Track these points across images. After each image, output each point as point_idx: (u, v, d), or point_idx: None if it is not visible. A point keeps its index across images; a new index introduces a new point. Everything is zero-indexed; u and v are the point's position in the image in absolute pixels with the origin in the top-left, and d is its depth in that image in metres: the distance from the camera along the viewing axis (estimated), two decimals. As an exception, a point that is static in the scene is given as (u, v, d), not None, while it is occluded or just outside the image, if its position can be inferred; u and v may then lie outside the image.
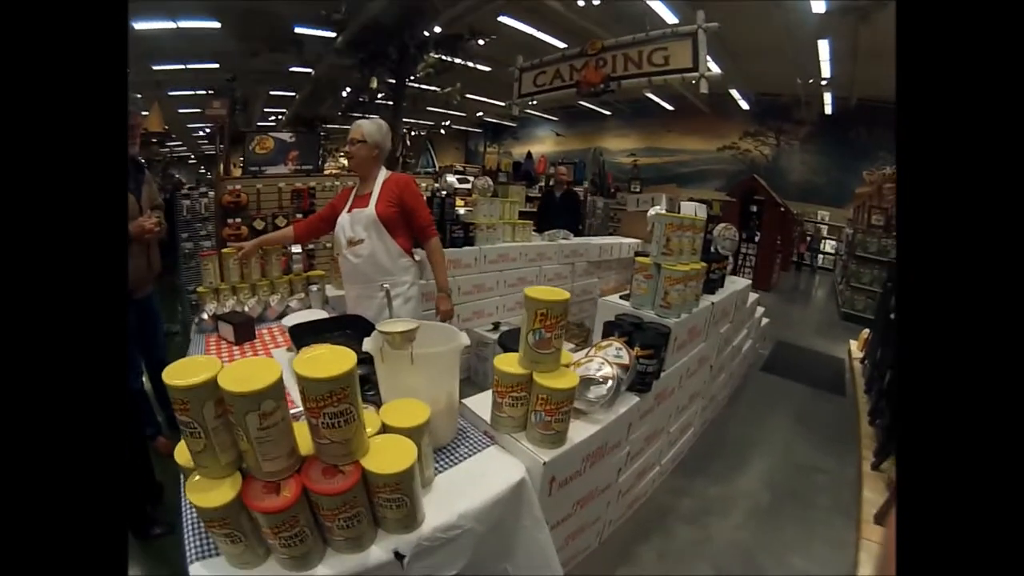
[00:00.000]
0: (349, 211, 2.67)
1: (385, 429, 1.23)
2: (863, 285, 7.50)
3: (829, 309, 8.64)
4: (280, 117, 17.54)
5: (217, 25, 9.24)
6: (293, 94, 14.97)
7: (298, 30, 9.92)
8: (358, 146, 2.62)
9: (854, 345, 5.68)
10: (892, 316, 3.58)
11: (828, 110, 13.48)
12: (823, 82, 11.45)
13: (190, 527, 1.21)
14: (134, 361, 2.88)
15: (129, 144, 2.71)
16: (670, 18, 8.14)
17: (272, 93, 14.71)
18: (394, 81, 11.01)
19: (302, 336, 1.99)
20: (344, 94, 12.28)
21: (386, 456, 1.12)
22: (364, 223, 2.60)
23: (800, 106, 13.89)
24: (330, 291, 3.20)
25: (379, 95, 11.05)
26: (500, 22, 9.50)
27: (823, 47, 9.45)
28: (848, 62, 9.82)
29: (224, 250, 2.82)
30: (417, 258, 2.79)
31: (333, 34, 9.72)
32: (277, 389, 0.98)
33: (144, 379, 3.02)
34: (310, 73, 12.40)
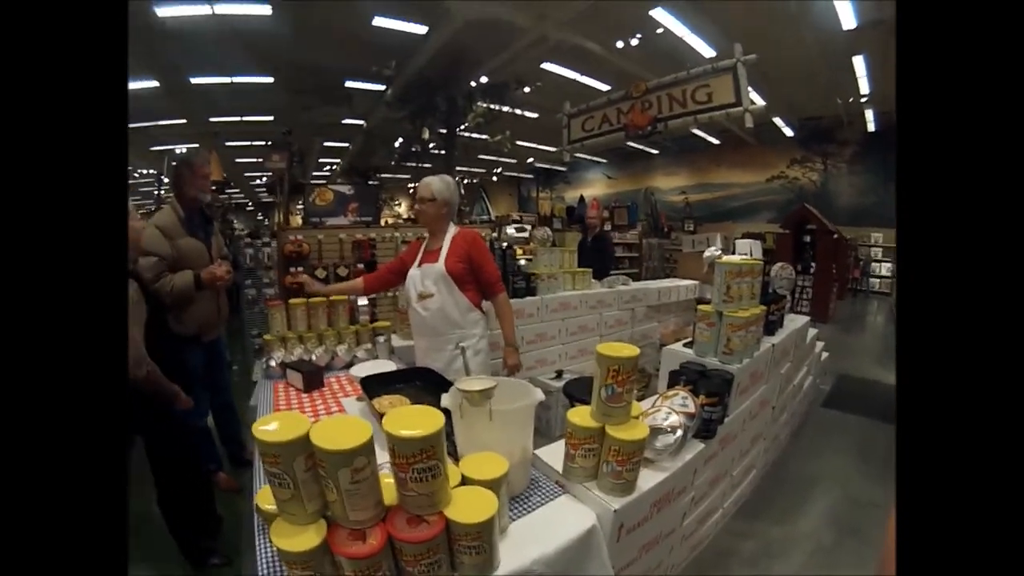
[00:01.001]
0: (419, 265, 2.73)
1: (465, 481, 1.28)
2: (923, 307, 7.16)
3: (888, 335, 8.34)
4: (334, 167, 18.25)
5: (270, 80, 9.77)
6: (346, 145, 15.61)
7: (349, 84, 10.39)
8: (428, 204, 2.68)
9: (915, 373, 5.44)
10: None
11: (871, 127, 13.25)
12: (863, 99, 11.29)
13: (265, 567, 1.26)
14: (200, 401, 3.04)
15: (202, 195, 2.94)
16: (707, 51, 8.24)
17: (326, 144, 15.34)
18: (445, 131, 11.35)
19: (373, 387, 2.07)
20: (396, 145, 12.69)
21: (468, 506, 1.17)
22: (434, 278, 2.64)
23: (843, 127, 13.71)
24: (396, 341, 3.28)
25: (431, 145, 11.38)
26: (544, 69, 9.75)
27: (858, 63, 9.36)
28: (885, 75, 9.66)
29: (291, 300, 2.96)
30: (483, 310, 2.81)
31: (383, 87, 10.14)
32: (369, 447, 1.04)
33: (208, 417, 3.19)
34: (362, 125, 12.93)
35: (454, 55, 9.25)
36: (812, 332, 4.11)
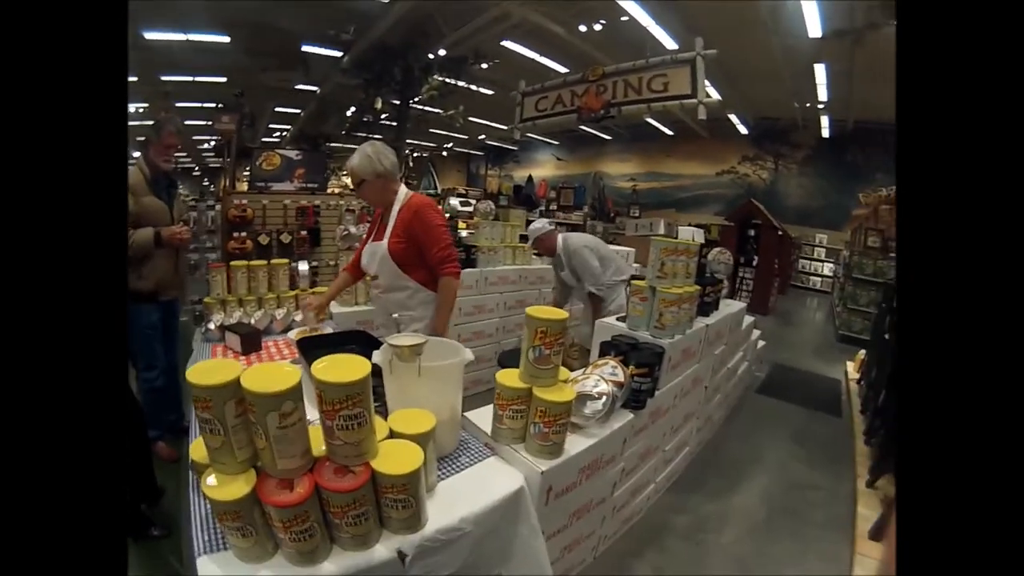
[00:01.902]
0: (372, 240, 2.57)
1: (393, 435, 1.30)
2: (860, 307, 7.59)
3: (827, 331, 8.71)
4: (285, 134, 17.76)
5: (227, 40, 9.38)
6: (298, 111, 15.20)
7: (306, 48, 10.08)
8: (359, 187, 2.47)
9: (850, 366, 5.72)
10: (887, 336, 3.63)
11: (825, 133, 13.64)
12: (820, 106, 11.60)
13: (199, 523, 1.25)
14: (157, 359, 3.03)
15: (165, 161, 2.92)
16: (670, 44, 8.32)
17: (278, 110, 14.93)
18: (398, 102, 11.16)
19: (309, 349, 2.04)
20: (348, 113, 12.44)
21: (394, 459, 1.19)
22: (379, 259, 2.48)
23: (798, 130, 14.12)
24: (334, 307, 3.27)
25: (383, 116, 11.19)
26: (503, 46, 9.67)
27: (819, 71, 9.60)
28: (844, 85, 9.97)
29: (233, 263, 2.91)
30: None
31: (340, 53, 9.90)
32: (297, 391, 1.05)
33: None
34: (316, 91, 12.61)
35: (416, 25, 9.07)
36: (749, 320, 4.26)
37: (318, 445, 1.18)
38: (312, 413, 1.13)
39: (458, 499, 1.42)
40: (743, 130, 14.94)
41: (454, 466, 1.59)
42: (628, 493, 2.54)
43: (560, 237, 3.85)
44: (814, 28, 7.73)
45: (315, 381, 1.09)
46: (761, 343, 5.24)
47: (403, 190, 2.52)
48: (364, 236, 2.79)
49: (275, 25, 8.81)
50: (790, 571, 2.56)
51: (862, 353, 5.59)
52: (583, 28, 8.59)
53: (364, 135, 11.62)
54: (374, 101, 10.61)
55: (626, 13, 7.84)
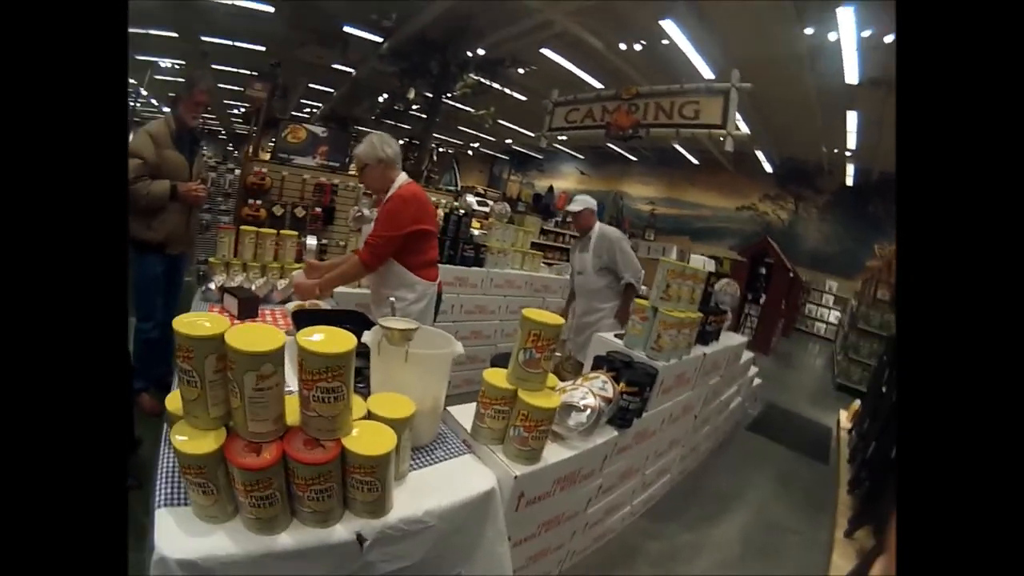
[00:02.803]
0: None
1: (370, 416, 1.29)
2: (861, 358, 7.58)
3: (825, 378, 8.67)
4: (315, 110, 17.87)
5: (271, 9, 9.48)
6: (331, 90, 15.30)
7: (347, 29, 10.17)
8: (364, 173, 2.61)
9: (844, 415, 5.68)
10: (884, 389, 3.60)
11: (850, 181, 13.66)
12: (848, 153, 11.59)
13: (164, 474, 1.26)
14: (155, 311, 3.06)
15: (192, 117, 2.97)
16: (707, 72, 8.32)
17: (311, 86, 15.02)
18: (431, 95, 11.22)
19: (304, 322, 2.04)
20: (380, 99, 12.50)
21: (367, 440, 1.17)
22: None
23: (823, 174, 14.14)
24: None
25: (414, 106, 11.23)
26: (542, 54, 9.71)
27: (851, 118, 9.60)
28: (874, 135, 9.98)
29: (243, 228, 2.93)
30: (429, 277, 2.72)
31: (380, 39, 9.96)
32: (278, 355, 1.04)
33: None
34: (351, 73, 12.69)
35: (459, 21, 9.13)
36: (748, 356, 4.22)
37: (293, 415, 1.16)
38: (295, 384, 1.12)
39: (427, 491, 1.40)
40: (768, 168, 14.95)
41: (429, 458, 1.57)
42: (602, 511, 2.51)
43: (598, 223, 3.83)
44: (851, 74, 7.72)
45: (298, 349, 1.08)
46: (758, 381, 5.19)
47: (400, 179, 2.61)
48: None
49: (320, 1, 8.87)
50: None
51: (857, 403, 5.55)
52: (623, 46, 8.61)
53: (393, 123, 11.69)
54: (408, 91, 10.69)
55: (668, 36, 7.85)
